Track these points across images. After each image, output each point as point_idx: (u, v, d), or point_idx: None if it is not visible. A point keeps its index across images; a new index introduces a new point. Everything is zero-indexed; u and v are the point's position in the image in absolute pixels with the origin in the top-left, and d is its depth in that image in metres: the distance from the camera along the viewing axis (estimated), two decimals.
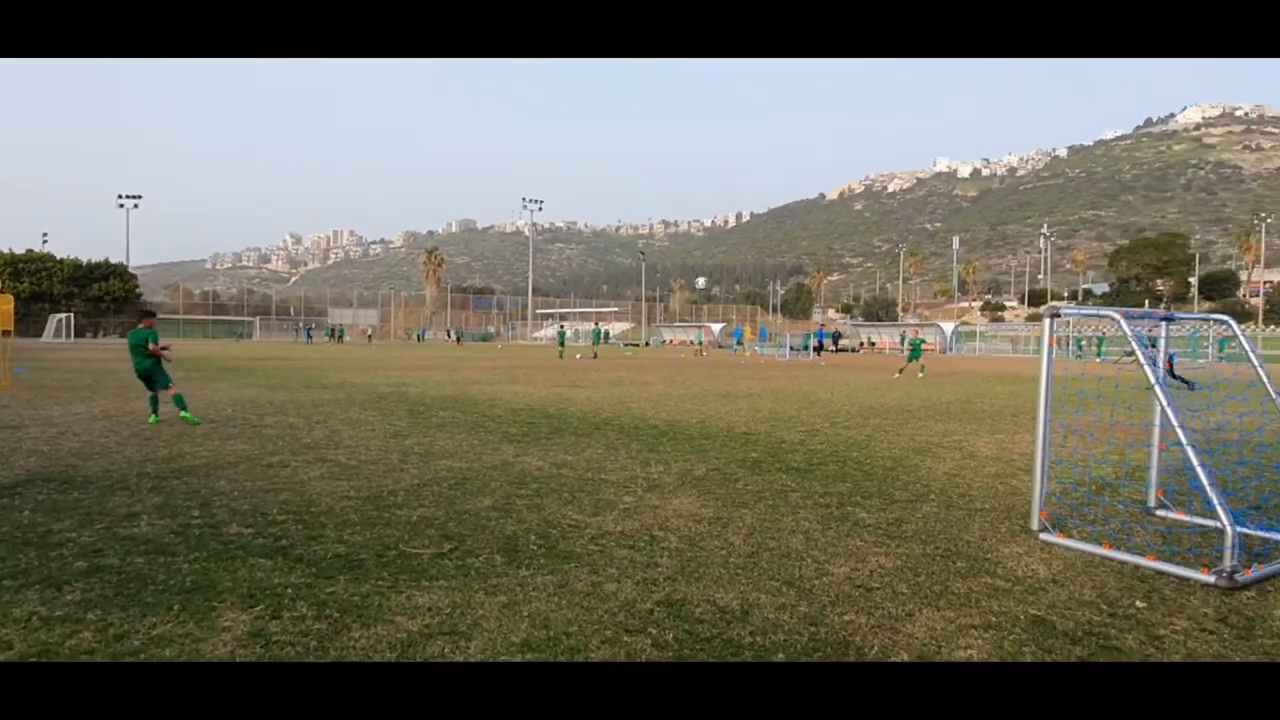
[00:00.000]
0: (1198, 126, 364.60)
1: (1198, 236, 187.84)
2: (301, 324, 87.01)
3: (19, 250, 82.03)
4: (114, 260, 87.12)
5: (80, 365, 27.13)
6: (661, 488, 7.52)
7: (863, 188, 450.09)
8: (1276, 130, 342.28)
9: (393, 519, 6.17)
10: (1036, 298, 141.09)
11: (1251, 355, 6.48)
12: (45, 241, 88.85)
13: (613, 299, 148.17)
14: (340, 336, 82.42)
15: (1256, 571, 4.97)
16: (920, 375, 26.71)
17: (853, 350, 64.48)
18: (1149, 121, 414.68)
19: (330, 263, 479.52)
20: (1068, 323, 48.71)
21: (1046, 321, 6.31)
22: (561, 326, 65.70)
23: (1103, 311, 6.57)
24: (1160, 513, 6.73)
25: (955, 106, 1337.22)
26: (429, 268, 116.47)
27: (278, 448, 9.51)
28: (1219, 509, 4.98)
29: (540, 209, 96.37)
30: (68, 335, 66.05)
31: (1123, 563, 5.31)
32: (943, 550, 5.58)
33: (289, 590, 4.50)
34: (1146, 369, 5.68)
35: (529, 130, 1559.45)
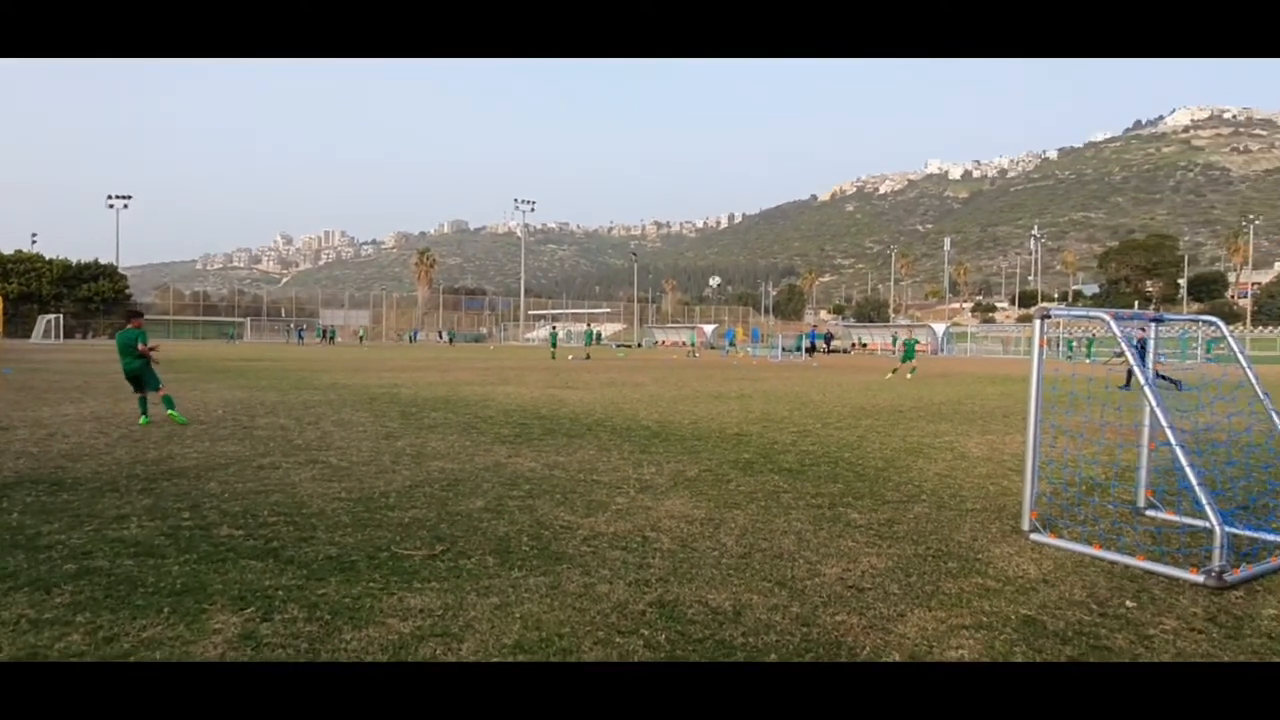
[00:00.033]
0: (1186, 129, 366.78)
1: (1186, 238, 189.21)
2: (293, 325, 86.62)
3: (8, 250, 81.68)
4: (103, 261, 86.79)
5: (69, 366, 26.97)
6: (654, 489, 7.52)
7: (854, 189, 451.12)
8: (1264, 132, 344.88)
9: (384, 520, 6.15)
10: (1027, 299, 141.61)
11: (1240, 356, 6.52)
12: (34, 242, 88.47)
13: (605, 300, 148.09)
14: (332, 338, 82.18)
15: (1245, 571, 5.01)
16: (910, 376, 26.57)
17: (844, 351, 64.64)
18: (1138, 124, 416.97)
19: (322, 263, 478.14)
20: (1058, 324, 48.95)
21: (1037, 323, 6.34)
22: (554, 327, 65.68)
23: (1093, 313, 6.60)
24: (1150, 513, 6.76)
25: (946, 108, 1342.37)
26: (421, 269, 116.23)
27: (269, 449, 9.47)
28: (1208, 509, 5.01)
29: (532, 210, 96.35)
30: (57, 336, 65.66)
31: (1113, 563, 5.33)
32: (934, 550, 5.60)
33: (280, 592, 4.48)
34: (1136, 370, 5.71)
35: (521, 131, 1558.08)
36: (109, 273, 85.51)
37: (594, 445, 10.15)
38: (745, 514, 6.56)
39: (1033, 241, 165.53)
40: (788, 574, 4.99)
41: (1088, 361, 36.96)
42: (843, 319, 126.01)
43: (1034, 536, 5.90)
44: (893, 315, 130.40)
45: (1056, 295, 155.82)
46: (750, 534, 5.93)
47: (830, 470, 8.64)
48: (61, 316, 69.87)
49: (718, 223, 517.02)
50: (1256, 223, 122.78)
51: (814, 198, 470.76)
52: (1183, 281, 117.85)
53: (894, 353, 55.38)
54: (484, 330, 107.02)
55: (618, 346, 72.39)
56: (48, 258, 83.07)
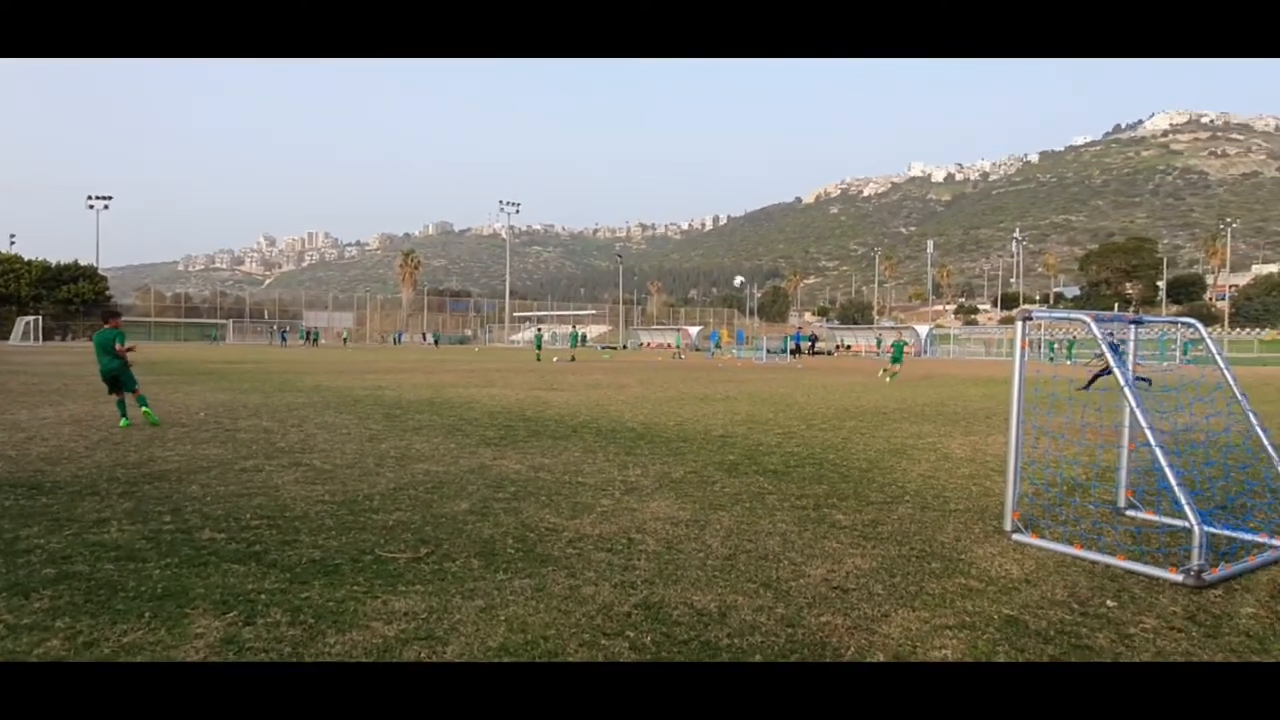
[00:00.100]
0: (1165, 133, 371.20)
1: (1165, 241, 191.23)
2: (276, 327, 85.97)
3: None
4: (83, 262, 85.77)
5: (48, 369, 26.66)
6: (639, 490, 7.53)
7: (839, 191, 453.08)
8: (1241, 136, 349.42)
9: (368, 523, 6.12)
10: (1009, 301, 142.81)
11: (1218, 358, 6.61)
12: (13, 243, 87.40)
13: (590, 302, 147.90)
14: (315, 339, 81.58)
15: (1223, 570, 5.07)
16: (888, 380, 26.38)
17: (828, 353, 64.91)
18: (1118, 128, 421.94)
19: (305, 265, 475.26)
20: (1039, 326, 49.33)
21: (1019, 324, 6.39)
22: (539, 329, 65.56)
23: (1074, 315, 6.66)
24: (1130, 513, 6.83)
25: (929, 111, 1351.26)
26: (405, 270, 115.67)
27: (251, 452, 9.40)
28: (1187, 509, 5.07)
29: (517, 211, 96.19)
30: (36, 338, 64.85)
31: (1094, 562, 5.38)
32: (918, 551, 5.63)
33: (263, 596, 4.45)
34: (1117, 371, 5.78)
35: (507, 133, 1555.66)
36: (89, 274, 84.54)
37: (579, 447, 10.14)
38: (730, 515, 6.58)
39: (1014, 244, 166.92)
40: (773, 575, 5.01)
41: (1069, 363, 37.32)
42: (827, 321, 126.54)
43: (1016, 537, 5.95)
44: (877, 317, 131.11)
45: (1038, 297, 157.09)
46: (735, 535, 5.95)
47: (815, 472, 8.67)
48: (40, 318, 68.95)
49: (703, 225, 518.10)
50: (1234, 226, 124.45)
51: (798, 200, 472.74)
52: (1162, 284, 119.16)
53: (878, 354, 55.72)
54: (469, 332, 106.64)
55: (603, 348, 72.34)
56: (26, 259, 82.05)
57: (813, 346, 61.91)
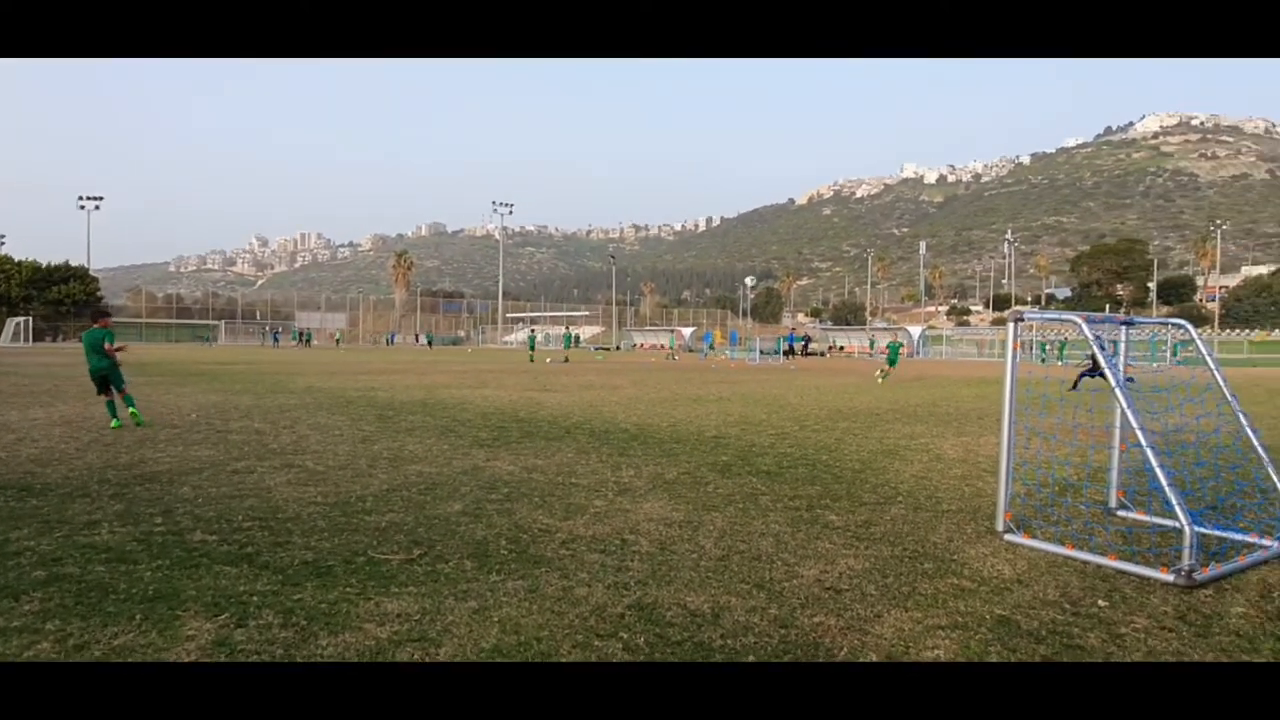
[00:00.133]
0: (1155, 135, 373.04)
1: (1156, 242, 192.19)
2: (268, 328, 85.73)
3: None
4: (74, 263, 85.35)
5: (39, 370, 26.51)
6: (632, 492, 7.53)
7: (831, 193, 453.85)
8: (1231, 139, 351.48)
9: (361, 525, 6.10)
10: (1001, 302, 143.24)
11: (1208, 359, 6.64)
12: (3, 243, 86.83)
13: (583, 303, 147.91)
14: (308, 340, 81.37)
15: (1213, 570, 5.09)
16: (882, 380, 26.48)
17: (821, 354, 65.03)
18: (1109, 130, 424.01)
19: (297, 266, 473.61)
20: (1031, 327, 49.59)
21: (1011, 326, 6.42)
22: (532, 330, 65.51)
23: (1065, 316, 6.70)
24: (1121, 513, 6.86)
25: (922, 113, 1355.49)
26: (398, 271, 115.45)
27: (243, 453, 9.37)
28: (1177, 509, 5.10)
29: (510, 212, 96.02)
30: (26, 339, 64.54)
31: (1085, 562, 5.40)
32: (910, 552, 5.65)
33: (255, 598, 4.43)
34: (1108, 372, 5.80)
35: (500, 134, 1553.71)
36: (80, 275, 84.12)
37: (572, 448, 10.14)
38: (723, 516, 6.58)
39: (1006, 245, 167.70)
40: (766, 576, 5.01)
41: (1060, 364, 37.47)
42: (820, 322, 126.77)
43: (1008, 537, 5.97)
44: (869, 318, 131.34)
45: (1030, 298, 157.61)
46: (728, 536, 5.95)
47: (808, 472, 8.68)
48: (31, 319, 68.67)
49: (696, 226, 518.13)
50: (1224, 227, 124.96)
51: (791, 201, 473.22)
52: (1152, 285, 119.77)
53: (870, 355, 55.84)
54: (462, 333, 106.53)
55: (596, 349, 72.34)
56: (17, 259, 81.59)
57: (806, 347, 62.01)
